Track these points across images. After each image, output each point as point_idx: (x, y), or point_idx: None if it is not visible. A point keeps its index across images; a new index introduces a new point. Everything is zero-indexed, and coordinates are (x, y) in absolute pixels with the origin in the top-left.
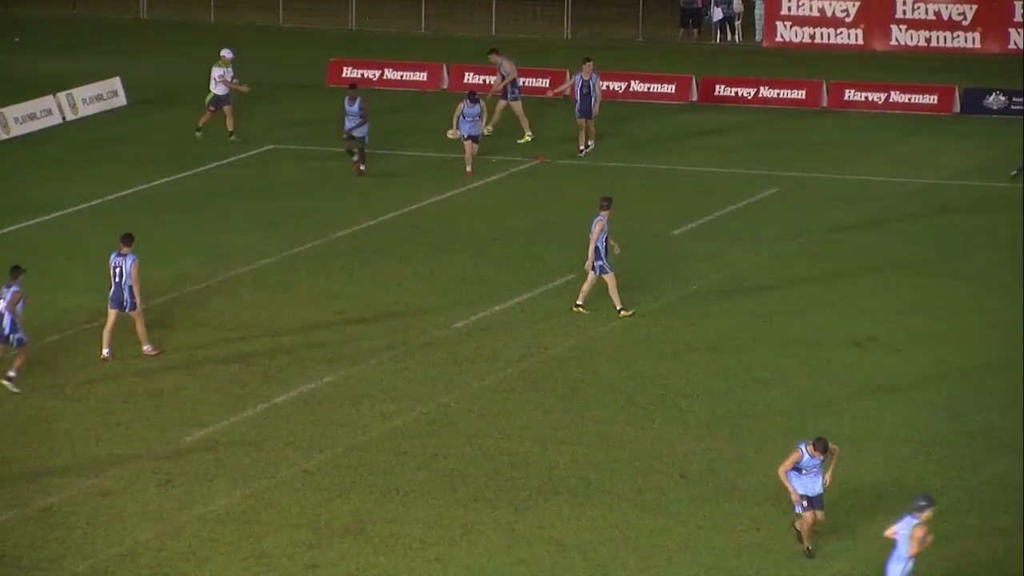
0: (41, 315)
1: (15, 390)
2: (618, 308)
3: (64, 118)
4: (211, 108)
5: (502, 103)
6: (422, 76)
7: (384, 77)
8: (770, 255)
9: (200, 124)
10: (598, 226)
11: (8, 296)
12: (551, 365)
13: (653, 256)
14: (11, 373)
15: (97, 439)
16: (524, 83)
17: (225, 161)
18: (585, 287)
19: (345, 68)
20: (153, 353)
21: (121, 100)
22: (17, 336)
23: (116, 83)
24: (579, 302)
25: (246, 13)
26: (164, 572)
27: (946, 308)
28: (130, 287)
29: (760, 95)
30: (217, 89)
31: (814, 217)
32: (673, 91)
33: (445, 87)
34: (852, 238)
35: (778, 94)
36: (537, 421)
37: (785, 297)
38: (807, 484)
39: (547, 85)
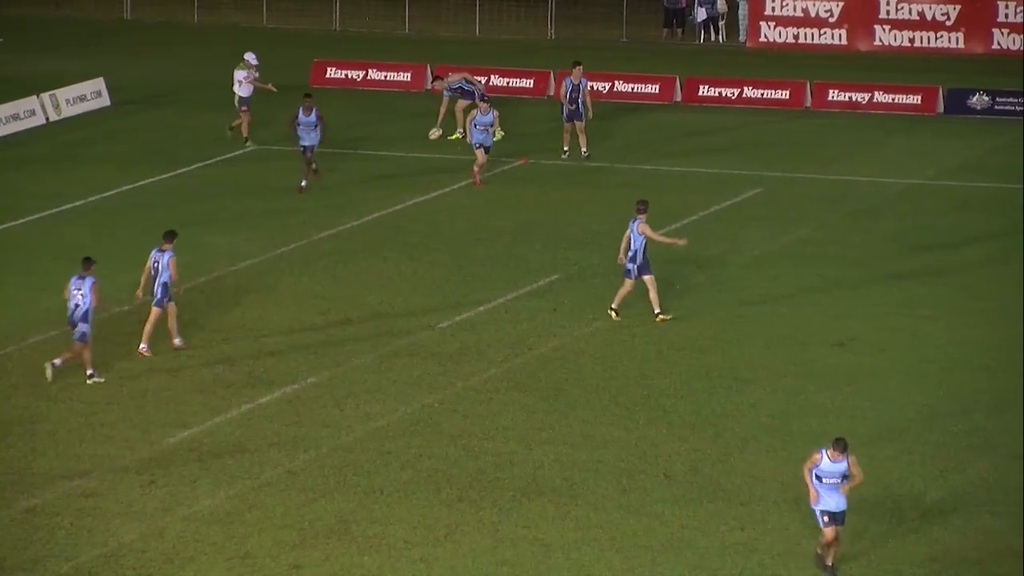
0: (25, 315)
1: (49, 379)
2: (613, 307)
3: (48, 119)
4: (243, 109)
5: (463, 103)
6: (406, 76)
7: (368, 77)
8: (754, 255)
9: (244, 135)
10: (647, 228)
11: (89, 289)
12: (535, 365)
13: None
14: (57, 362)
15: (81, 440)
16: (507, 83)
17: (209, 162)
18: (653, 295)
19: (329, 69)
20: (146, 354)
21: (105, 100)
22: (83, 329)
23: (100, 83)
24: (657, 311)
25: (230, 14)
26: (148, 573)
27: (930, 308)
28: (164, 283)
29: (744, 95)
30: (241, 91)
31: (798, 217)
32: (657, 91)
33: (429, 88)
34: (836, 238)
35: (762, 94)
36: (521, 421)
37: (769, 297)
38: (829, 498)
39: (531, 86)
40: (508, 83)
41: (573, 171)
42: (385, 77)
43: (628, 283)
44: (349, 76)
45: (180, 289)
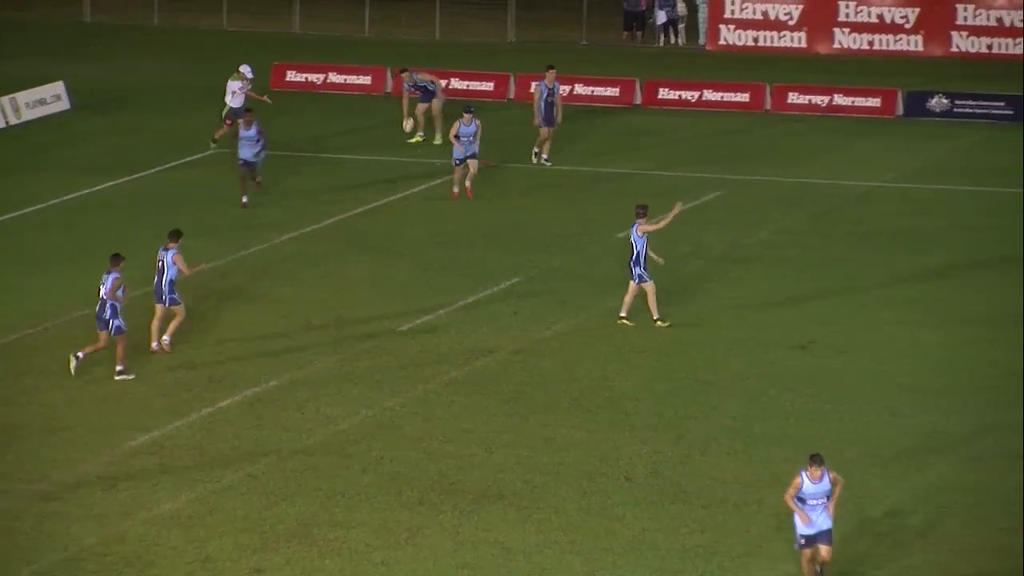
0: None
1: (130, 377)
2: (655, 318)
3: (7, 122)
4: (227, 121)
5: (422, 106)
6: (366, 80)
7: (328, 81)
8: (715, 257)
9: (216, 136)
10: (647, 226)
11: (109, 283)
12: (496, 368)
13: (596, 259)
14: (119, 367)
15: (41, 443)
16: (467, 86)
17: (168, 165)
18: (628, 298)
19: (289, 72)
20: (168, 350)
21: (65, 104)
22: (116, 323)
23: (59, 87)
24: (623, 314)
25: (190, 17)
26: None
27: (890, 310)
28: (171, 281)
29: (704, 98)
30: (233, 102)
31: (759, 220)
32: (617, 94)
33: (389, 91)
34: (796, 241)
35: (722, 97)
36: (482, 424)
37: (730, 299)
38: (813, 519)
39: (491, 89)
40: (468, 86)
41: (533, 174)
42: (345, 80)
43: (643, 287)
44: (309, 79)
45: (202, 268)
